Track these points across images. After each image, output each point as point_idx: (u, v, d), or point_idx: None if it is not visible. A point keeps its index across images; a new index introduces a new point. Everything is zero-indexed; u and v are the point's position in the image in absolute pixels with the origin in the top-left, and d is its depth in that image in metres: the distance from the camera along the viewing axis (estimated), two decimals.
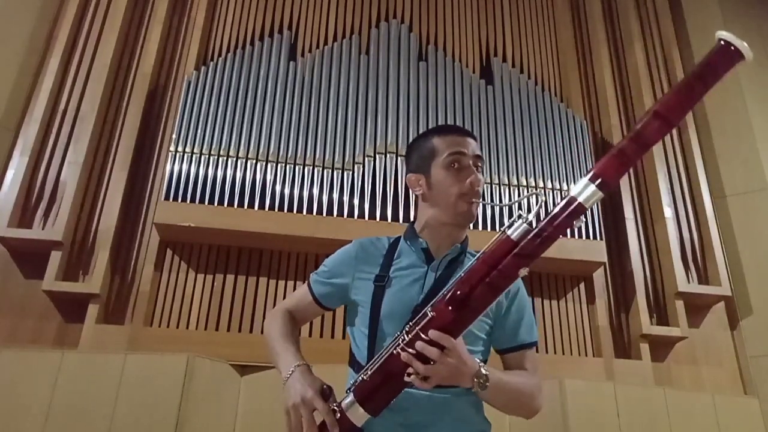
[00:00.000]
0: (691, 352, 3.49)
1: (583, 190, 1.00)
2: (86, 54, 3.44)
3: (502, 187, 3.43)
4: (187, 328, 3.05)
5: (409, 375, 1.02)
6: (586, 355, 3.37)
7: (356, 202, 3.21)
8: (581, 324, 3.47)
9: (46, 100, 3.21)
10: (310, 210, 3.16)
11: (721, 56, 0.95)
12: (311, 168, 3.26)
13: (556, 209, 1.02)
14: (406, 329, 1.06)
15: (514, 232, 1.03)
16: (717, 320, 3.61)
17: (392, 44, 3.78)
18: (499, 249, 1.03)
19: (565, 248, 3.34)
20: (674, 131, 3.99)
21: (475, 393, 1.09)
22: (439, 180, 1.27)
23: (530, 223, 1.03)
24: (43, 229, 3.01)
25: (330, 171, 3.27)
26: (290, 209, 3.14)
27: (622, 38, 4.29)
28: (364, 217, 3.17)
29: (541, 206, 1.08)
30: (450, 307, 1.03)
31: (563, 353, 3.34)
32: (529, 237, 1.02)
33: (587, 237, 3.38)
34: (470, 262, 1.07)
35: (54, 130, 3.23)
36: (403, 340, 1.05)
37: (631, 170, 3.88)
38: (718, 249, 3.62)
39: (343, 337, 3.08)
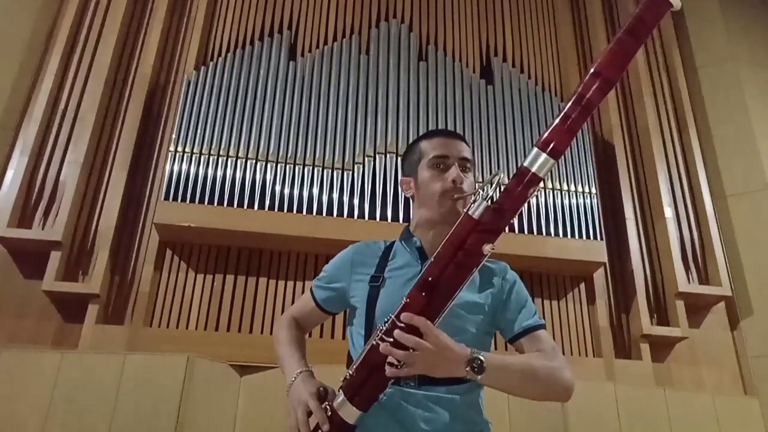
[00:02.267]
0: (691, 352, 3.49)
1: (535, 159, 1.00)
2: (86, 54, 3.44)
3: (502, 187, 3.42)
4: (187, 328, 3.04)
5: (390, 365, 1.01)
6: (587, 355, 3.37)
7: (356, 202, 3.21)
8: (581, 324, 3.47)
9: (46, 99, 3.21)
10: (310, 210, 3.15)
11: (649, 8, 0.97)
12: (311, 168, 3.26)
13: (511, 182, 1.03)
14: (385, 319, 1.06)
15: (475, 211, 1.03)
16: (717, 320, 3.61)
17: (392, 44, 3.78)
18: (462, 229, 1.04)
19: (566, 248, 3.34)
20: (674, 131, 4.00)
21: (475, 381, 1.06)
22: (424, 180, 1.30)
23: (491, 200, 1.04)
24: (42, 229, 3.01)
25: (330, 171, 3.26)
26: (290, 209, 3.13)
27: None
28: (364, 217, 3.17)
29: (500, 184, 1.08)
30: (422, 292, 1.03)
31: (563, 353, 3.31)
32: (488, 213, 1.03)
33: (587, 237, 3.38)
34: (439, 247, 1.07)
35: (54, 130, 3.23)
36: (381, 330, 1.05)
37: (632, 170, 3.89)
38: (719, 249, 3.62)
39: (343, 338, 3.08)
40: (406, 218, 3.14)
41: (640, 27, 0.99)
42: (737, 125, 3.87)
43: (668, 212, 3.66)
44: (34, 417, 2.45)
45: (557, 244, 3.34)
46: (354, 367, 1.08)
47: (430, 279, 1.03)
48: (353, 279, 1.32)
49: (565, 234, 3.36)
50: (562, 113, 1.00)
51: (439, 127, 3.47)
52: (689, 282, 3.53)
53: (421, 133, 1.51)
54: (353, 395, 1.06)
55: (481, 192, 1.05)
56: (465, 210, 1.05)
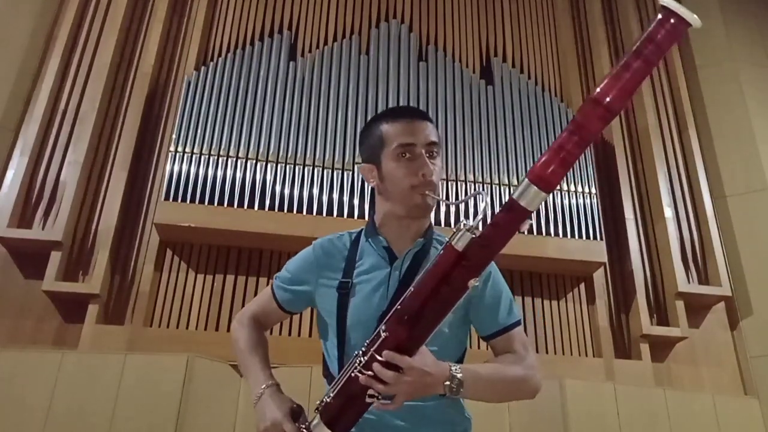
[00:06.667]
0: (691, 352, 3.49)
1: (525, 191, 0.92)
2: (86, 54, 3.44)
3: (502, 188, 3.43)
4: (187, 328, 3.05)
5: (370, 396, 1.00)
6: (586, 356, 3.37)
7: (356, 202, 3.21)
8: (581, 324, 3.47)
9: (46, 100, 3.21)
10: (310, 210, 3.16)
11: (662, 28, 0.85)
12: (311, 168, 3.26)
13: (499, 215, 0.95)
14: (362, 350, 1.02)
15: (458, 243, 0.96)
16: (717, 320, 3.60)
17: (392, 44, 3.78)
18: (445, 261, 0.97)
19: (565, 248, 3.34)
20: (674, 131, 3.99)
21: (452, 397, 1.07)
22: (390, 171, 1.19)
23: (476, 230, 0.96)
24: (43, 229, 3.01)
25: (330, 171, 3.27)
26: (290, 209, 3.14)
27: (622, 38, 4.28)
28: (363, 217, 3.17)
29: (486, 210, 1.01)
30: (402, 325, 0.99)
31: (563, 353, 3.34)
32: (474, 247, 0.95)
33: (587, 237, 3.38)
34: (426, 266, 1.03)
35: (54, 130, 3.23)
36: (360, 362, 1.01)
37: (632, 170, 3.88)
38: (718, 249, 3.62)
39: None
40: None
41: (652, 50, 0.86)
42: (737, 125, 3.87)
43: (668, 212, 3.66)
44: (34, 417, 2.45)
45: (557, 244, 3.34)
46: (332, 393, 1.05)
47: (410, 310, 0.99)
48: (320, 283, 1.26)
49: (565, 234, 3.36)
50: (557, 143, 0.92)
51: (439, 126, 3.46)
52: (689, 282, 3.52)
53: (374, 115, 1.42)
54: (332, 421, 1.04)
55: (464, 221, 0.98)
56: (448, 240, 0.99)
